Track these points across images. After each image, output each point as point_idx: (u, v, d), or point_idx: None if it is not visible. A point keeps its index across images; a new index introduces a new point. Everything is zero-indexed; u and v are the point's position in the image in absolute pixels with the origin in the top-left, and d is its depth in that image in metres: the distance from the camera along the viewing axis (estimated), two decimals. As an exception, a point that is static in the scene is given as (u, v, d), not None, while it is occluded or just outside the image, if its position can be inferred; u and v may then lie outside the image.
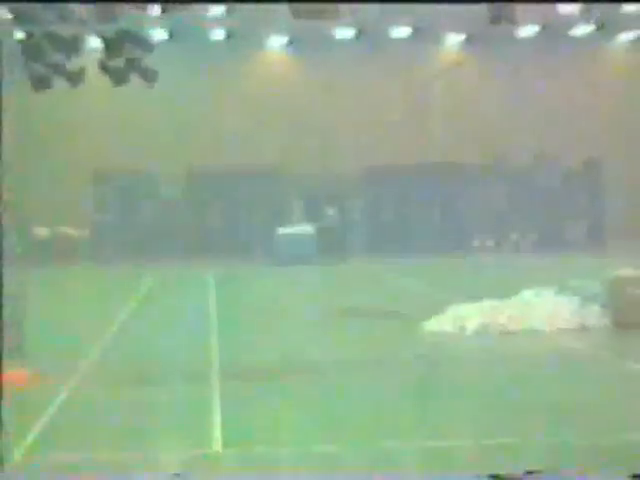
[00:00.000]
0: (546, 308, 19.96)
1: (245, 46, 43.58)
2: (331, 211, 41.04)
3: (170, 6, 21.48)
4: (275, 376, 15.48)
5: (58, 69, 17.35)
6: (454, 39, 45.75)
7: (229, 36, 42.62)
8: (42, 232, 41.82)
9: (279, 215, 41.27)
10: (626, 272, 20.25)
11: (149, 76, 17.85)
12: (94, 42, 18.10)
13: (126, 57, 17.64)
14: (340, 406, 13.36)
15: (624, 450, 10.11)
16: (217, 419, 12.55)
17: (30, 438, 11.65)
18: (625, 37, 46.43)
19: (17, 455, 10.76)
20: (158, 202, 43.06)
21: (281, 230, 38.75)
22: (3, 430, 7.51)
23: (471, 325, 19.47)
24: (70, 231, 41.87)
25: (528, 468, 8.37)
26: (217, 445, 11.34)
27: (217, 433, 11.80)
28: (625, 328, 19.23)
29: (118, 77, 17.73)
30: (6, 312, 16.09)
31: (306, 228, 38.83)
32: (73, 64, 17.39)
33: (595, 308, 19.86)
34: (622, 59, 47.35)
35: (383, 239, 42.66)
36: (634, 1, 20.24)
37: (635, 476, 7.13)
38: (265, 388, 14.64)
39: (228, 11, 37.59)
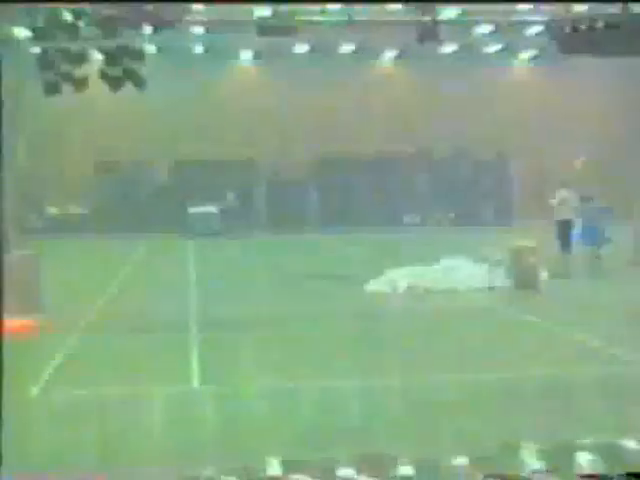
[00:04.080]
0: (462, 272, 20.29)
1: (220, 59, 43.71)
2: (231, 195, 41.15)
3: (160, 26, 21.43)
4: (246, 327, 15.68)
5: (66, 77, 17.41)
6: (388, 55, 45.98)
7: (207, 51, 42.55)
8: (53, 210, 41.85)
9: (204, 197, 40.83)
10: (523, 243, 20.69)
11: (140, 83, 17.95)
12: (96, 55, 18.14)
13: (123, 67, 17.73)
14: (297, 350, 13.52)
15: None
16: (196, 361, 12.69)
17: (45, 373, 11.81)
18: (526, 55, 46.90)
19: (34, 390, 10.91)
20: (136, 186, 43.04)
21: (191, 209, 39.14)
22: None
23: (402, 286, 19.78)
24: (75, 209, 41.93)
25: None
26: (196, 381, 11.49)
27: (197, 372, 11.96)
28: (523, 288, 19.71)
29: (115, 84, 17.82)
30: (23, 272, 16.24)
31: (210, 208, 39.05)
32: (79, 73, 17.46)
33: (501, 272, 20.21)
34: (524, 72, 47.88)
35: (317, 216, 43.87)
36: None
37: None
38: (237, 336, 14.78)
39: (206, 30, 37.66)
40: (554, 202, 28.77)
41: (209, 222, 38.94)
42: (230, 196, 41.30)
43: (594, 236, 24.27)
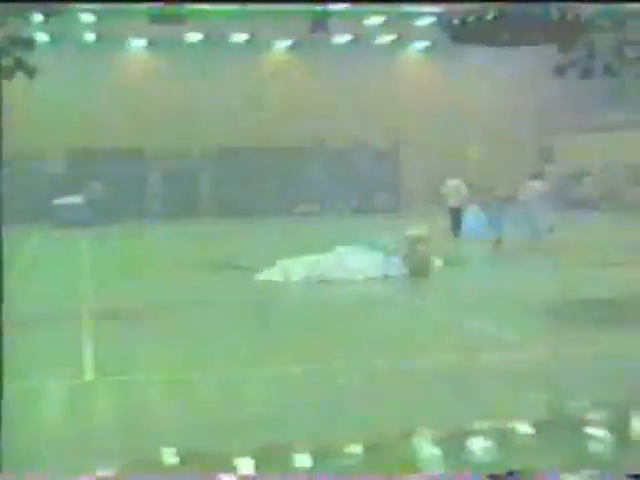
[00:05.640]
0: (357, 261, 20.22)
1: (112, 47, 43.14)
2: (97, 184, 40.56)
3: (51, 13, 20.99)
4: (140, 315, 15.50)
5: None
6: (282, 44, 45.88)
7: (99, 39, 41.92)
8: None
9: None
10: (415, 232, 20.79)
11: (30, 72, 17.61)
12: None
13: (14, 57, 17.35)
14: (185, 341, 13.38)
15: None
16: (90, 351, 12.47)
17: None
18: (418, 46, 47.32)
19: None
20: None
21: (56, 201, 38.64)
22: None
23: (295, 275, 19.70)
24: None
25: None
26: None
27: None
28: (417, 276, 19.81)
29: (6, 74, 17.44)
30: None
31: (75, 199, 38.62)
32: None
33: (396, 261, 20.25)
34: (415, 63, 48.32)
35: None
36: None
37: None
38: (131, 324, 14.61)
39: (98, 18, 37.28)
40: (444, 190, 29.73)
41: (75, 212, 38.13)
42: (97, 186, 40.49)
43: (499, 225, 25.00)
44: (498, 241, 25.03)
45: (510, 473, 6.91)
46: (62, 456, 7.99)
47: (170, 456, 8.00)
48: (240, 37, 43.44)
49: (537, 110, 46.59)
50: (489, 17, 18.79)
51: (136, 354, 12.38)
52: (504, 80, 45.97)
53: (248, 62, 44.58)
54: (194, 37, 42.24)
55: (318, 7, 26.71)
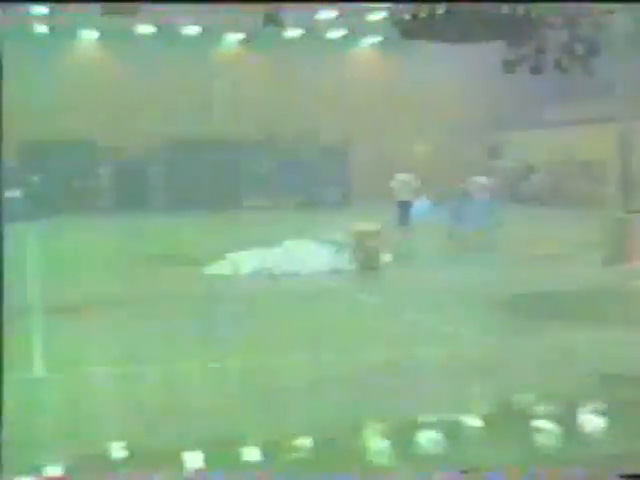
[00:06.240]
0: (306, 255, 20.22)
1: (64, 39, 42.71)
2: (35, 178, 40.10)
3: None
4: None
5: None
6: (235, 37, 45.66)
7: (51, 30, 41.49)
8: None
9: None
10: (363, 227, 20.88)
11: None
12: None
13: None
14: (135, 334, 13.25)
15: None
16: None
17: None
18: (369, 41, 47.34)
19: None
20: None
21: None
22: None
23: (244, 269, 19.63)
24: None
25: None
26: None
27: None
28: (366, 270, 19.87)
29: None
30: None
31: (13, 193, 38.11)
32: None
33: (345, 255, 20.29)
34: (366, 58, 48.36)
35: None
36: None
37: (623, 476, 6.32)
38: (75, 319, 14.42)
39: (51, 11, 37.00)
40: (394, 184, 30.29)
41: (12, 206, 37.50)
42: (35, 179, 40.00)
43: (459, 218, 25.45)
44: (451, 235, 25.13)
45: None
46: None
47: (113, 451, 7.90)
48: (193, 30, 43.17)
49: (487, 106, 46.84)
50: (440, 13, 18.79)
51: (74, 349, 12.16)
52: (455, 76, 46.19)
53: (200, 55, 44.32)
54: (146, 30, 41.93)
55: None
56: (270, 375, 10.67)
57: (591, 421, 8.69)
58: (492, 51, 25.19)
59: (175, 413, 8.91)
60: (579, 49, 23.12)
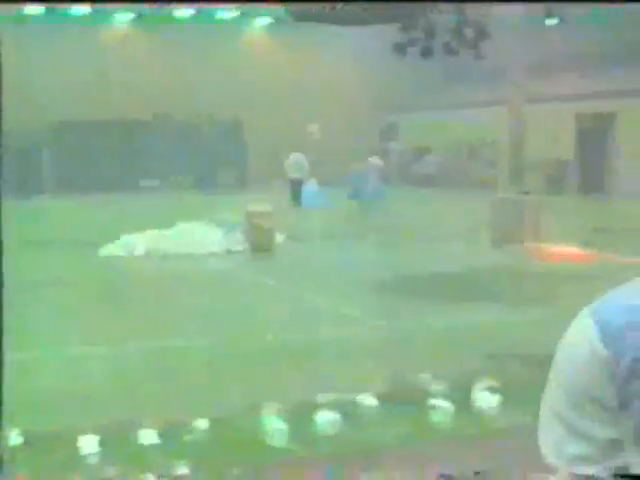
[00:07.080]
0: (198, 236, 20.17)
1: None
2: None
3: None
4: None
5: None
6: (124, 17, 45.05)
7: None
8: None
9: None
10: (255, 207, 20.89)
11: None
12: None
13: None
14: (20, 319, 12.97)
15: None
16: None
17: None
18: (261, 22, 47.25)
19: None
20: None
21: None
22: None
23: (138, 251, 19.49)
24: None
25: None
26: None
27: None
28: (259, 251, 19.84)
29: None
30: None
31: None
32: None
33: (238, 236, 20.28)
34: (258, 40, 48.27)
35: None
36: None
37: (626, 476, 6.30)
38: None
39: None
40: (287, 163, 31.26)
41: None
42: None
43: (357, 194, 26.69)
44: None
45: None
46: None
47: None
48: (83, 9, 42.45)
49: (382, 88, 47.16)
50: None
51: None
52: (348, 58, 46.41)
53: (89, 35, 43.55)
54: (35, 11, 41.13)
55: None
56: (163, 358, 10.58)
57: (483, 398, 8.84)
58: (386, 33, 25.40)
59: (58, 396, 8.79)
60: (469, 33, 23.49)
